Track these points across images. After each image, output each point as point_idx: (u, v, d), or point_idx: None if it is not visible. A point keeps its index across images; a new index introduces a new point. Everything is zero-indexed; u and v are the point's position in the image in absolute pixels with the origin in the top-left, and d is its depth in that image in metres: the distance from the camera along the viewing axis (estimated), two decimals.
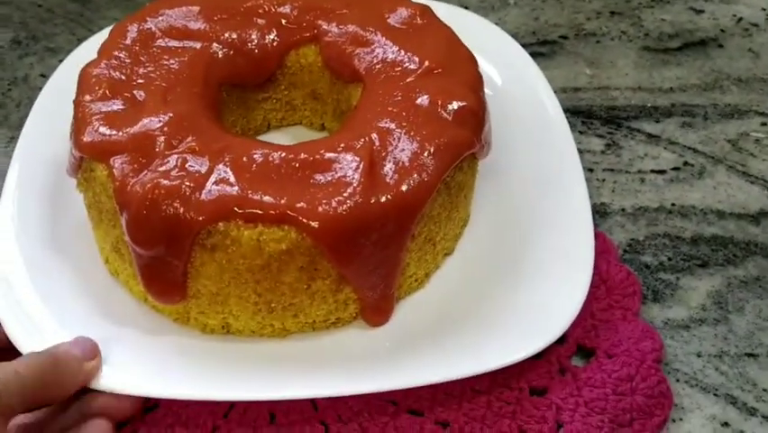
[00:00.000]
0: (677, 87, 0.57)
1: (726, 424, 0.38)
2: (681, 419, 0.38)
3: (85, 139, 0.37)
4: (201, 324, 0.38)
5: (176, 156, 0.36)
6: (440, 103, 0.39)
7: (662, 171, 0.51)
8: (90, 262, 0.40)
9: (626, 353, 0.39)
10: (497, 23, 0.61)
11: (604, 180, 0.50)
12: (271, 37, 0.44)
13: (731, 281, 0.44)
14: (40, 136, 0.46)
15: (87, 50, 0.48)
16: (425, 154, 0.37)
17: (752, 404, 0.39)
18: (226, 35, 0.43)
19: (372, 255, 0.36)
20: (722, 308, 0.43)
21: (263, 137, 0.48)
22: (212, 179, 0.35)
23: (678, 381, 0.39)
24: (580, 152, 0.51)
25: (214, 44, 0.43)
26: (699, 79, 0.58)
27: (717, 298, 0.43)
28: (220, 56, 0.43)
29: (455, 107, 0.39)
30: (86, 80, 0.40)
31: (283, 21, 0.45)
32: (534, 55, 0.60)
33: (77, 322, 0.37)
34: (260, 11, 0.45)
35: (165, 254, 0.35)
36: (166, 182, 0.35)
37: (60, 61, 0.57)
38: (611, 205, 0.48)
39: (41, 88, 0.56)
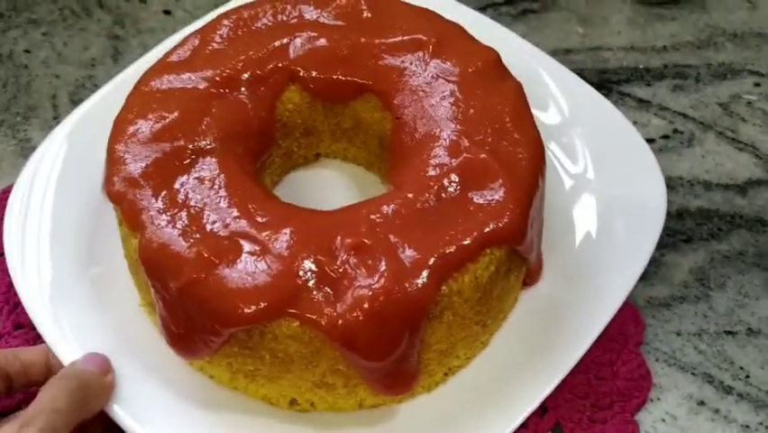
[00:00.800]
0: (670, 45, 0.57)
1: (701, 402, 0.40)
2: (658, 399, 0.40)
3: (250, 307, 0.33)
4: (425, 387, 0.38)
5: (345, 265, 0.33)
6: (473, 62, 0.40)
7: (650, 140, 0.51)
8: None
9: (610, 337, 0.41)
10: None
11: None
12: (259, 104, 0.41)
13: (714, 257, 0.45)
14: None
15: None
16: (513, 119, 0.39)
17: (728, 383, 0.40)
18: (230, 130, 0.39)
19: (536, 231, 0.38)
20: (704, 285, 0.44)
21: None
22: (392, 260, 0.33)
23: (657, 360, 0.41)
24: None
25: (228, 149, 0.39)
26: (694, 36, 0.57)
27: (699, 274, 0.45)
28: (238, 155, 0.39)
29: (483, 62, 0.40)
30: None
31: (256, 77, 0.41)
32: (525, 12, 0.59)
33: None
34: (233, 73, 0.41)
35: (403, 349, 0.34)
36: (373, 291, 0.32)
37: (44, 34, 0.56)
38: None
39: (26, 66, 0.56)
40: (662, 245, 0.46)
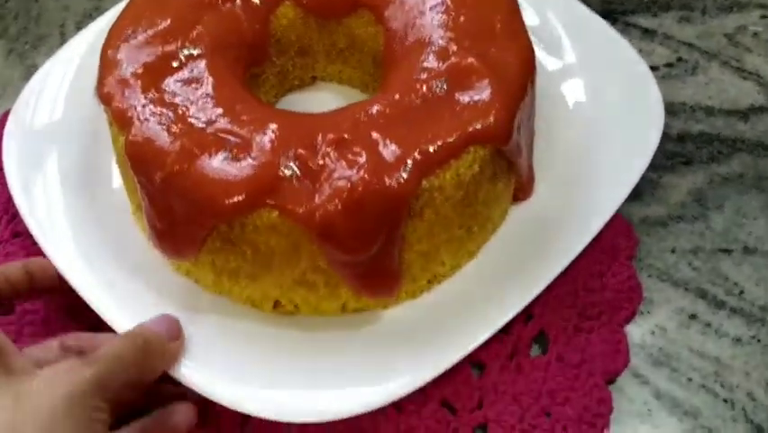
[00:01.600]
0: None
1: (693, 316, 0.39)
2: (648, 312, 0.39)
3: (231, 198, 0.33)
4: (409, 292, 0.38)
5: (327, 158, 0.34)
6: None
7: (654, 68, 0.50)
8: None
9: (600, 249, 0.40)
10: None
11: None
12: (253, 15, 0.41)
13: (713, 179, 0.44)
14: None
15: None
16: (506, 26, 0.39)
17: (721, 297, 0.40)
18: (219, 37, 0.39)
19: (524, 131, 0.38)
20: (701, 206, 0.43)
21: None
22: (371, 154, 0.33)
23: (650, 276, 0.41)
24: None
25: (216, 54, 0.39)
26: None
27: (697, 195, 0.44)
28: (228, 60, 0.39)
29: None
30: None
31: None
32: None
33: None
34: None
35: (383, 245, 0.34)
36: (351, 181, 0.33)
37: None
38: None
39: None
40: (660, 167, 0.45)
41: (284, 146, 0.34)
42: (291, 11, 0.43)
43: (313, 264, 0.35)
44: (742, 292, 0.40)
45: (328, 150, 0.34)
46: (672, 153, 0.46)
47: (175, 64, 0.38)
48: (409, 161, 0.33)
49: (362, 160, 0.33)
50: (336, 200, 0.32)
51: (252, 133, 0.35)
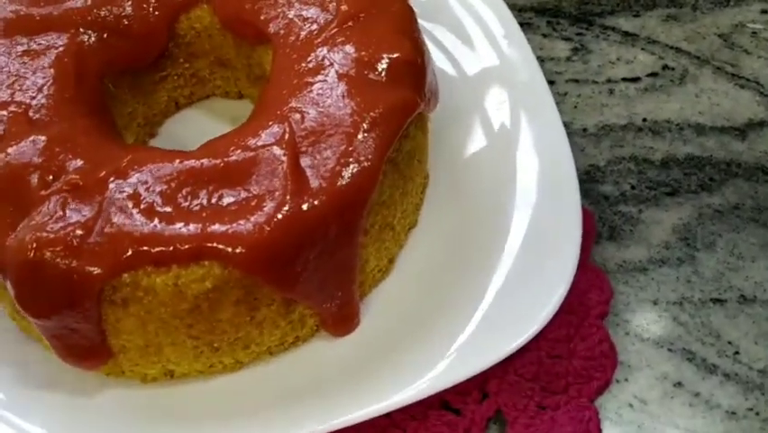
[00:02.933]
0: None
1: (679, 384, 0.33)
2: (626, 380, 0.34)
3: None
4: (139, 375, 0.33)
5: (55, 197, 0.29)
6: (367, 60, 0.32)
7: (635, 79, 0.44)
8: None
9: (568, 307, 0.34)
10: None
11: (566, 94, 0.43)
12: (152, 4, 0.36)
13: (703, 212, 0.38)
14: None
15: None
16: (360, 132, 0.30)
17: (712, 360, 0.34)
18: (94, 14, 0.35)
19: (319, 268, 0.30)
20: (689, 246, 0.37)
21: (174, 119, 0.41)
22: (102, 219, 0.29)
23: (627, 334, 0.35)
24: (542, 60, 0.44)
25: (81, 31, 0.35)
26: None
27: (684, 233, 0.38)
28: (92, 44, 0.35)
29: (386, 62, 0.32)
30: None
31: None
32: None
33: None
34: None
35: (70, 321, 0.29)
36: (46, 234, 0.28)
37: None
38: (572, 124, 0.42)
39: None
40: (640, 199, 0.39)
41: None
42: (207, 17, 0.38)
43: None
44: (737, 353, 0.34)
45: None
46: (655, 183, 0.39)
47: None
48: (112, 250, 0.28)
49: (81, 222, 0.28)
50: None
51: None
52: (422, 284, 0.35)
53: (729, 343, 0.34)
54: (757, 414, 0.32)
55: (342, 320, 0.33)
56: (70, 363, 0.31)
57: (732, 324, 0.35)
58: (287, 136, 0.30)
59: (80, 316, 0.29)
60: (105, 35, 0.36)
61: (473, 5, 0.43)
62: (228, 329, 0.31)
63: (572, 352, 0.33)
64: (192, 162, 0.30)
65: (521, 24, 0.46)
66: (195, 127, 0.41)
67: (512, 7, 0.47)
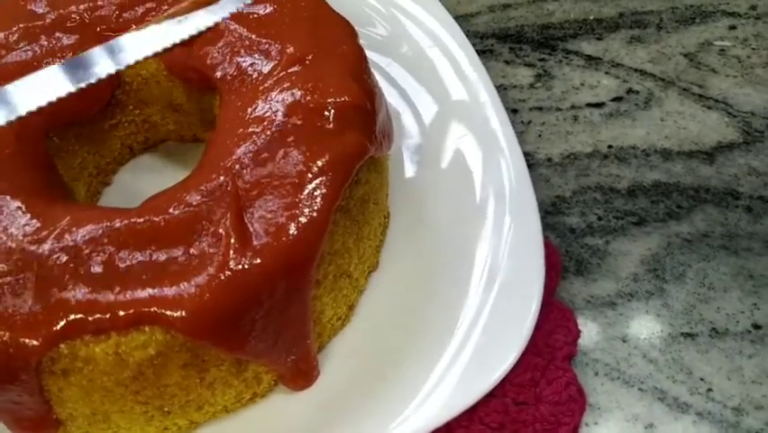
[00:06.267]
0: None
1: (650, 426, 0.32)
2: (596, 423, 0.32)
3: None
4: None
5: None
6: (313, 106, 0.31)
7: (600, 105, 0.43)
8: None
9: (533, 350, 0.33)
10: None
11: (530, 122, 0.42)
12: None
13: (671, 241, 0.37)
14: None
15: None
16: (307, 183, 0.29)
17: (684, 399, 0.33)
18: (34, 67, 0.33)
19: (268, 326, 0.29)
20: (658, 277, 0.36)
21: (129, 166, 0.40)
22: (36, 287, 0.27)
23: (597, 374, 0.34)
24: (504, 88, 0.44)
25: None
26: None
27: (652, 264, 0.37)
28: None
29: (333, 108, 0.31)
30: None
31: (102, 28, 0.36)
32: None
33: None
34: (70, 22, 0.36)
35: (12, 394, 0.28)
36: None
37: None
38: (536, 154, 0.41)
39: None
40: (607, 231, 0.38)
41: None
42: (153, 64, 0.37)
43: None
44: (710, 390, 0.33)
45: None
46: (622, 212, 0.38)
47: None
48: (46, 321, 0.27)
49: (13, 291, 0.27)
50: None
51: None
52: (383, 331, 0.34)
53: (702, 379, 0.33)
54: None
55: (300, 375, 0.32)
56: (18, 432, 0.30)
57: (704, 359, 0.34)
58: (230, 190, 0.29)
59: (21, 389, 0.28)
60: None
61: (432, 37, 0.42)
62: (178, 393, 0.30)
63: (539, 397, 0.32)
64: (132, 222, 0.29)
65: (483, 51, 0.45)
66: (150, 174, 0.40)
67: (474, 34, 0.46)
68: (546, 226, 0.38)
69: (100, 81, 0.32)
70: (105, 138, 0.39)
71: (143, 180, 0.39)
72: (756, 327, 0.34)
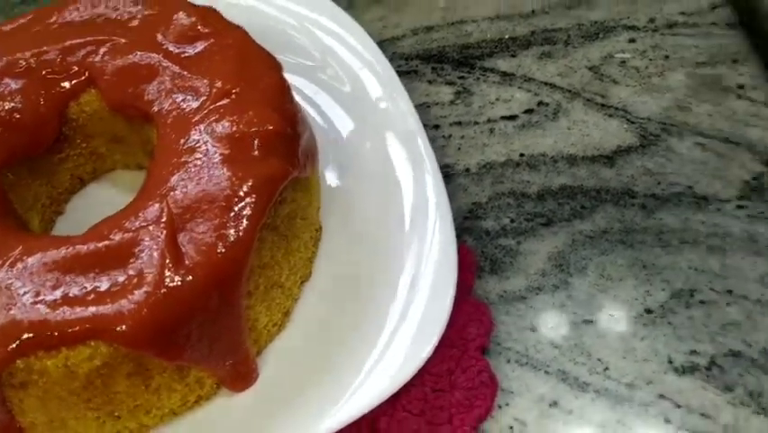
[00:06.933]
0: (539, 8, 0.53)
1: (554, 404, 0.36)
2: (507, 405, 0.36)
3: None
4: None
5: None
6: (239, 136, 0.35)
7: (513, 117, 0.47)
8: None
9: (449, 342, 0.37)
10: None
11: (450, 137, 0.47)
12: (41, 96, 0.39)
13: (575, 238, 0.42)
14: None
15: None
16: (234, 205, 0.33)
17: (584, 378, 0.37)
18: None
19: (204, 336, 0.32)
20: (563, 271, 0.40)
21: (80, 195, 0.44)
22: None
23: (509, 361, 0.38)
24: (428, 105, 0.48)
25: None
26: None
27: (558, 260, 0.41)
28: None
29: (257, 136, 0.35)
30: None
31: (47, 71, 0.39)
32: None
33: None
34: (17, 69, 0.39)
35: None
36: None
37: None
38: (455, 165, 0.45)
39: None
40: (519, 232, 0.42)
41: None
42: (96, 102, 0.40)
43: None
44: (607, 369, 0.37)
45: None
46: (532, 215, 0.43)
47: None
48: (10, 337, 0.30)
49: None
50: None
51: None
52: (317, 334, 0.38)
53: (599, 360, 0.37)
54: (624, 425, 0.35)
55: (239, 378, 0.36)
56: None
57: (602, 342, 0.38)
58: (164, 215, 0.33)
59: None
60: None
61: (359, 60, 0.46)
62: (126, 399, 0.33)
63: (454, 384, 0.36)
64: (77, 248, 0.32)
65: (408, 72, 0.49)
66: (100, 201, 0.43)
67: (400, 56, 0.50)
68: (464, 230, 0.42)
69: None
70: (55, 170, 0.42)
71: (94, 208, 0.43)
72: (648, 311, 0.39)
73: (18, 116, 0.38)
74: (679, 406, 0.36)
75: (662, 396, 0.36)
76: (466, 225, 0.43)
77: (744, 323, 0.38)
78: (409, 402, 0.36)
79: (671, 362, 0.37)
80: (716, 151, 0.44)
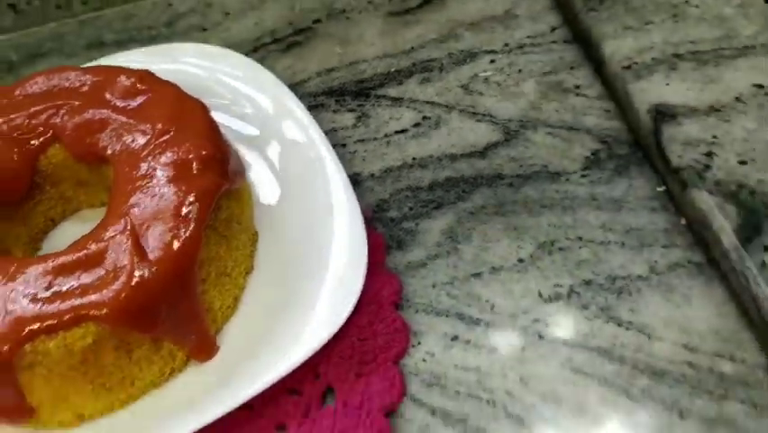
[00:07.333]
0: (418, 45, 0.65)
1: (455, 338, 0.46)
2: (419, 343, 0.46)
3: None
4: (57, 422, 0.43)
5: None
6: (180, 162, 0.45)
7: (404, 131, 0.58)
8: None
9: (367, 302, 0.47)
10: (256, 23, 0.67)
11: (356, 152, 0.57)
12: (15, 153, 0.48)
13: (461, 215, 0.52)
14: None
15: None
16: (181, 213, 0.42)
17: (476, 316, 0.47)
18: None
19: (170, 314, 0.41)
20: (453, 240, 0.51)
21: (54, 232, 0.53)
22: (4, 312, 0.39)
23: (417, 312, 0.48)
24: (335, 130, 0.58)
25: None
26: (437, 32, 0.65)
27: (449, 233, 0.52)
28: None
29: (195, 160, 0.45)
30: None
31: (18, 133, 0.49)
32: (291, 45, 0.66)
33: None
34: None
35: None
36: None
37: None
38: (362, 172, 0.56)
39: None
40: (417, 216, 0.53)
41: None
42: (61, 153, 0.49)
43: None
44: (493, 307, 0.48)
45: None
46: (426, 202, 0.53)
47: None
48: (11, 330, 0.39)
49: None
50: None
51: None
52: (263, 312, 0.47)
53: (487, 301, 0.48)
54: (510, 345, 0.46)
55: (202, 350, 0.45)
56: (3, 421, 0.41)
57: (488, 288, 0.48)
58: (128, 226, 0.42)
59: (2, 384, 0.39)
60: None
61: (270, 100, 0.57)
62: (114, 371, 0.42)
63: (375, 333, 0.46)
64: (63, 258, 0.41)
65: (315, 106, 0.60)
66: (70, 236, 0.52)
67: (308, 94, 0.61)
68: (375, 220, 0.53)
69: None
70: (30, 214, 0.51)
71: (67, 241, 0.51)
72: (521, 261, 0.49)
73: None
74: (548, 325, 0.46)
75: (536, 320, 0.46)
76: (375, 216, 0.53)
77: (591, 260, 0.49)
78: (342, 350, 0.45)
79: (540, 295, 0.48)
80: (562, 137, 0.56)
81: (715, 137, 0.51)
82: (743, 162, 0.49)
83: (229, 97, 0.58)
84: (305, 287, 0.47)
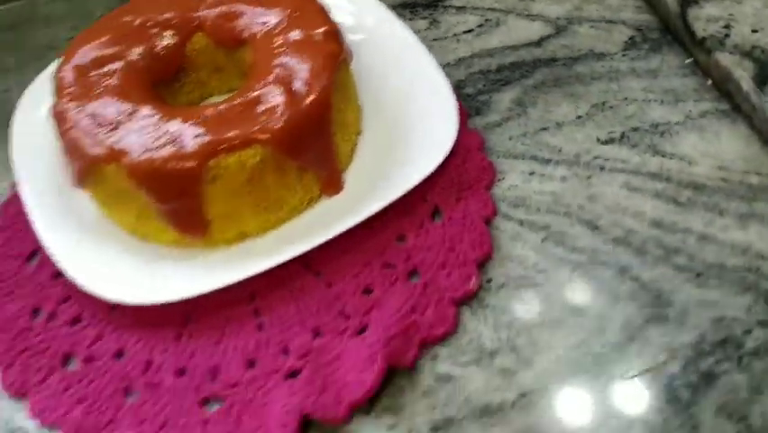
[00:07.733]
0: None
1: (532, 172, 0.58)
2: (503, 178, 0.58)
3: (92, 153, 0.50)
4: (224, 240, 0.53)
5: (158, 128, 0.50)
6: (308, 34, 0.56)
7: (470, 30, 0.70)
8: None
9: (459, 151, 0.58)
10: None
11: (431, 47, 0.69)
12: (168, 39, 0.59)
13: (526, 89, 0.64)
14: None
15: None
16: (316, 68, 0.54)
17: (547, 156, 0.59)
18: (137, 50, 0.57)
19: (312, 146, 0.52)
20: (521, 107, 0.62)
21: None
22: (188, 135, 0.50)
23: (498, 157, 0.59)
24: (418, 30, 0.70)
25: (139, 57, 0.57)
26: None
27: (518, 102, 0.63)
28: (143, 64, 0.57)
29: (321, 32, 0.56)
30: (60, 116, 0.53)
31: (170, 24, 0.59)
32: None
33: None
34: (150, 24, 0.59)
35: (185, 200, 0.50)
36: (161, 153, 0.49)
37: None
38: (439, 63, 0.67)
39: None
40: (489, 91, 0.64)
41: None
42: (203, 40, 0.61)
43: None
44: (560, 150, 0.59)
45: (168, 128, 0.51)
46: (495, 80, 0.65)
47: (103, 74, 0.55)
48: (201, 148, 0.50)
49: (176, 141, 0.51)
50: (143, 164, 0.50)
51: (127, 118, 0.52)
52: (374, 160, 0.58)
53: (554, 147, 0.59)
54: (576, 175, 0.57)
55: (332, 184, 0.56)
56: (184, 232, 0.52)
57: (554, 138, 0.60)
58: (279, 78, 0.54)
59: (191, 194, 0.50)
60: (147, 61, 0.58)
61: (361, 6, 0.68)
62: (271, 191, 0.53)
63: (467, 169, 0.57)
64: (230, 103, 0.52)
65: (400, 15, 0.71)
66: None
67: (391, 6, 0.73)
68: (455, 94, 0.64)
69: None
70: (177, 96, 0.62)
71: None
72: (579, 117, 0.61)
73: (156, 50, 0.59)
74: (607, 159, 0.57)
75: (597, 156, 0.58)
76: (456, 92, 0.64)
77: (637, 113, 0.60)
78: (443, 181, 0.56)
79: (598, 140, 0.59)
80: (603, 28, 0.68)
81: (731, 15, 0.62)
82: (755, 31, 0.61)
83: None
84: (409, 136, 0.58)
